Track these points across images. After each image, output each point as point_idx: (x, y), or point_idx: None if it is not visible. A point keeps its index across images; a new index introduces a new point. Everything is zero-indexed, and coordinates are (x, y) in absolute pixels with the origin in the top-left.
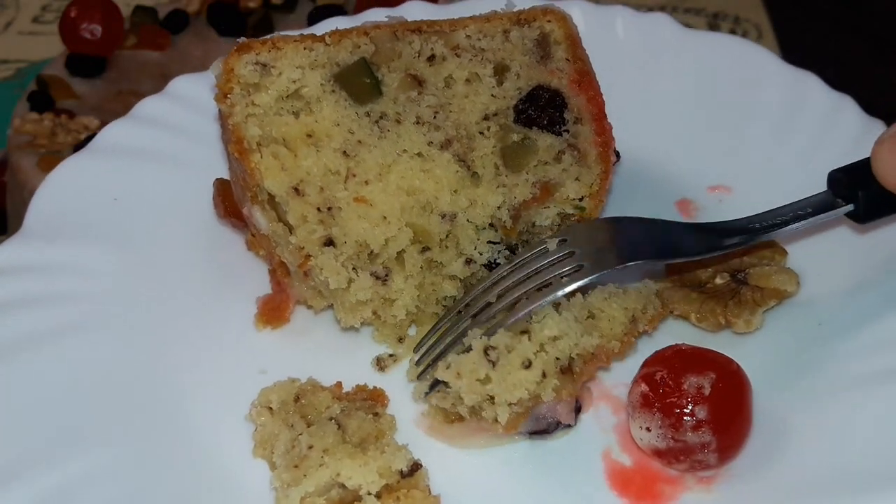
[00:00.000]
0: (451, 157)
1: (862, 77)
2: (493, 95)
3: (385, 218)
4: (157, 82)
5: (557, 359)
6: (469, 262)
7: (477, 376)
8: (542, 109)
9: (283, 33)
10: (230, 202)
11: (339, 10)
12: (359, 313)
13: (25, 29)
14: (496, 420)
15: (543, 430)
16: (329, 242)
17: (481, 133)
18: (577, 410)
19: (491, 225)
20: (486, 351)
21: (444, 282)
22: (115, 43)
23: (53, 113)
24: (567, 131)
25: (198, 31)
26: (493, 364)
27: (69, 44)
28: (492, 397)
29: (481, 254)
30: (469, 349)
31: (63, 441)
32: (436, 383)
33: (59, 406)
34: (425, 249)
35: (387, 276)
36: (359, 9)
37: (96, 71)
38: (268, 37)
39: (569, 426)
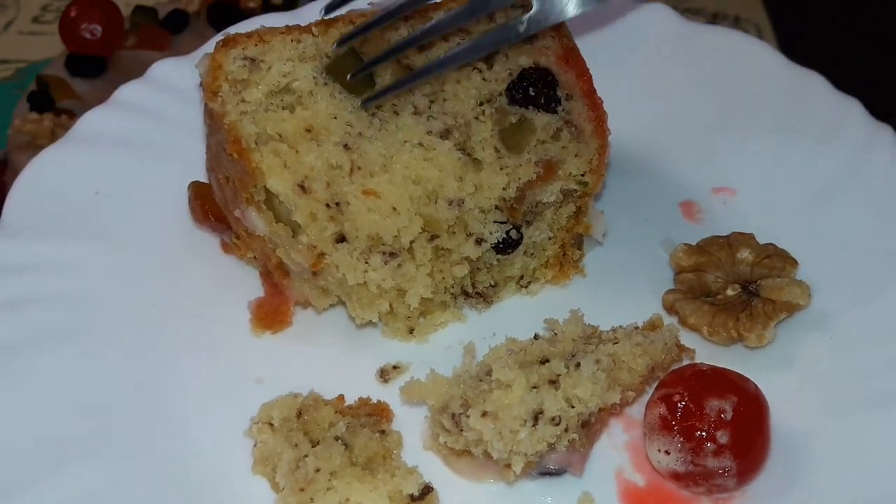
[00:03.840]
0: (452, 145)
1: (862, 78)
2: (484, 79)
3: (395, 209)
4: None
5: (580, 413)
6: (479, 241)
7: (515, 434)
8: (535, 88)
9: (267, 25)
10: (210, 205)
11: None
12: (375, 307)
13: (25, 29)
14: (509, 466)
15: (552, 473)
16: (341, 239)
17: (477, 118)
18: None
19: (497, 207)
20: (536, 417)
21: (454, 267)
22: (115, 43)
23: (53, 113)
24: (561, 108)
25: (198, 31)
26: (535, 424)
27: (69, 44)
28: None
29: (491, 233)
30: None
31: (46, 458)
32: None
33: (42, 421)
34: (434, 237)
35: (394, 254)
36: None
37: (96, 71)
38: (252, 30)
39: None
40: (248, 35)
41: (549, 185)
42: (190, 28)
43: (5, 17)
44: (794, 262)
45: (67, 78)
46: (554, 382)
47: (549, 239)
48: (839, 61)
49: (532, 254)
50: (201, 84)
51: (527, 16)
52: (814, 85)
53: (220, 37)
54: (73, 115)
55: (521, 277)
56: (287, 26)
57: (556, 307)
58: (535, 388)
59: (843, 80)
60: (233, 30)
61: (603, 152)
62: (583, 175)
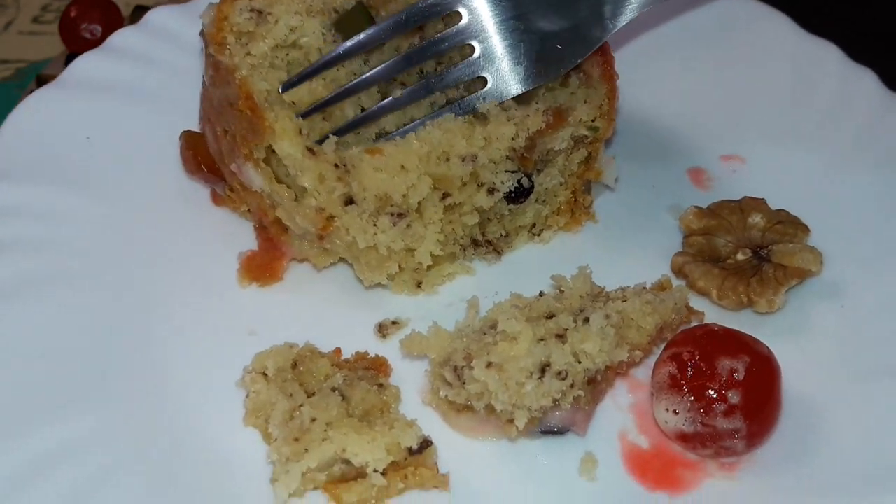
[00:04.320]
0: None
1: (856, 50)
2: None
3: (403, 167)
4: None
5: (587, 369)
6: (491, 191)
7: (521, 387)
8: None
9: None
10: (203, 155)
11: None
12: (384, 269)
13: (25, 29)
14: (511, 421)
15: (555, 431)
16: (349, 201)
17: None
18: None
19: (507, 157)
20: (542, 370)
21: (464, 216)
22: None
23: None
24: None
25: None
26: (542, 377)
27: (69, 44)
28: None
29: (503, 182)
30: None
31: (35, 405)
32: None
33: (32, 367)
34: (446, 195)
35: (402, 214)
36: None
37: None
38: None
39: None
40: None
41: (560, 131)
42: None
43: (5, 17)
44: (806, 229)
45: None
46: (561, 336)
47: (561, 185)
48: (831, 33)
49: (544, 200)
50: (202, 33)
51: (483, 91)
52: (828, 54)
53: None
54: None
55: (534, 225)
56: None
57: (565, 260)
58: (541, 340)
59: None
60: None
61: (612, 96)
62: (593, 120)
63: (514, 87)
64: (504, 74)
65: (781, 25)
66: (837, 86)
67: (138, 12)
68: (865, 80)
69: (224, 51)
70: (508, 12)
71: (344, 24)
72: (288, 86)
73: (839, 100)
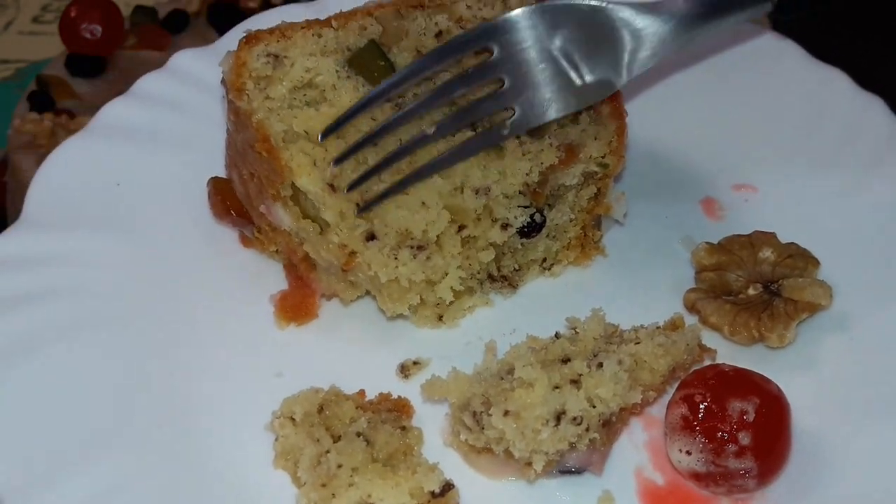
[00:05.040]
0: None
1: (864, 78)
2: None
3: (423, 203)
4: None
5: (601, 413)
6: (505, 226)
7: (537, 434)
8: None
9: (288, 21)
10: (231, 200)
11: None
12: (406, 300)
13: (25, 29)
14: (529, 464)
15: (573, 471)
16: (371, 237)
17: None
18: None
19: (520, 192)
20: (558, 417)
21: (480, 252)
22: (115, 43)
23: (53, 113)
24: None
25: (198, 31)
26: (557, 424)
27: (69, 44)
28: None
29: (516, 218)
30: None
31: (67, 452)
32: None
33: (65, 413)
34: (462, 228)
35: (422, 247)
36: None
37: (96, 71)
38: (274, 26)
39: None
40: (271, 31)
41: (571, 168)
42: (190, 28)
43: (5, 17)
44: (816, 262)
45: (67, 78)
46: (576, 382)
47: (571, 221)
48: (840, 62)
49: (554, 236)
50: (223, 81)
51: (510, 120)
52: (836, 82)
53: (240, 32)
54: (73, 115)
55: (545, 260)
56: (307, 21)
57: (580, 294)
58: (556, 388)
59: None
60: (254, 23)
61: (621, 133)
62: (603, 157)
63: (540, 117)
64: (531, 105)
65: (790, 53)
66: (845, 114)
67: (138, 12)
68: (874, 108)
69: (243, 96)
70: (537, 47)
71: (357, 62)
72: (326, 133)
73: (847, 128)
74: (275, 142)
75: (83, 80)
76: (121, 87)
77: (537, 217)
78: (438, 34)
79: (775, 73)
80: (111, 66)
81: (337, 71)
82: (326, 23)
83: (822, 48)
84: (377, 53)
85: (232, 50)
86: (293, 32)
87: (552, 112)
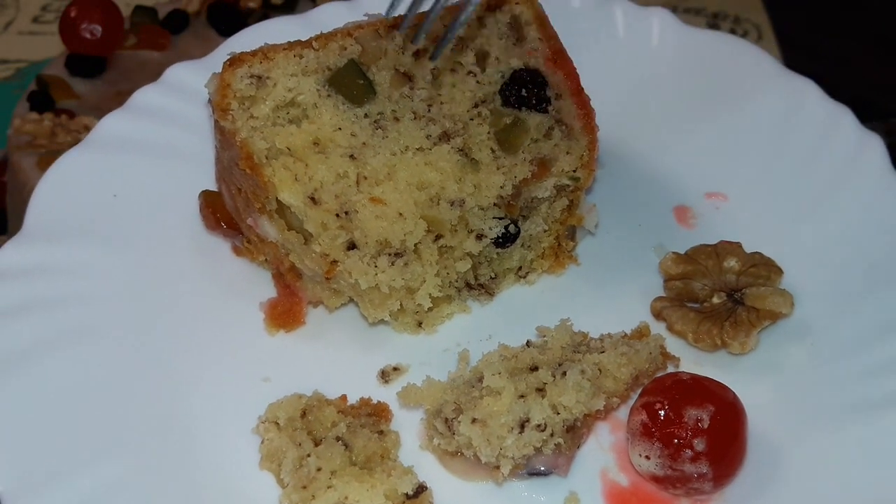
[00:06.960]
0: (451, 147)
1: (864, 78)
2: (478, 82)
3: (401, 214)
4: None
5: (565, 420)
6: (480, 237)
7: (502, 440)
8: (527, 89)
9: (270, 28)
10: (221, 213)
11: None
12: (386, 306)
13: (25, 29)
14: (497, 468)
15: (541, 472)
16: (352, 246)
17: (473, 120)
18: None
19: (495, 204)
20: (522, 424)
21: (457, 262)
22: (115, 43)
23: (53, 113)
24: (552, 108)
25: (198, 31)
26: (521, 431)
27: (69, 44)
28: None
29: (491, 229)
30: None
31: (64, 455)
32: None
33: (59, 418)
34: (438, 237)
35: (399, 254)
36: None
37: (96, 71)
38: (257, 49)
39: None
40: (254, 53)
41: (544, 181)
42: (190, 28)
43: (5, 17)
44: (780, 271)
45: (67, 78)
46: (541, 390)
47: (545, 231)
48: (840, 62)
49: (529, 246)
50: (210, 101)
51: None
52: (807, 92)
53: (240, 40)
54: (73, 115)
55: (520, 268)
56: (289, 42)
57: (553, 301)
58: (522, 396)
59: (845, 81)
60: (236, 42)
61: (592, 148)
62: (574, 171)
63: None
64: None
65: (763, 62)
66: (815, 124)
67: (138, 12)
68: (843, 118)
69: (227, 116)
70: None
71: (337, 81)
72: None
73: (817, 138)
74: (258, 159)
75: (83, 80)
76: (121, 86)
77: (511, 228)
78: (416, 53)
79: (749, 83)
80: (111, 66)
81: (318, 90)
82: (307, 44)
83: (802, 53)
84: (356, 72)
85: (217, 72)
86: (275, 54)
87: None
